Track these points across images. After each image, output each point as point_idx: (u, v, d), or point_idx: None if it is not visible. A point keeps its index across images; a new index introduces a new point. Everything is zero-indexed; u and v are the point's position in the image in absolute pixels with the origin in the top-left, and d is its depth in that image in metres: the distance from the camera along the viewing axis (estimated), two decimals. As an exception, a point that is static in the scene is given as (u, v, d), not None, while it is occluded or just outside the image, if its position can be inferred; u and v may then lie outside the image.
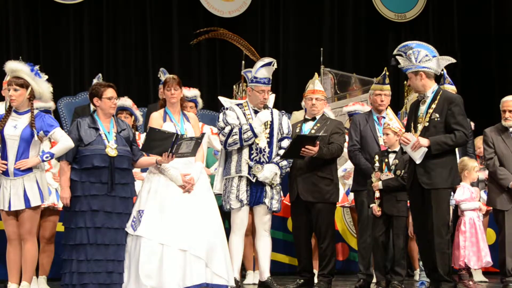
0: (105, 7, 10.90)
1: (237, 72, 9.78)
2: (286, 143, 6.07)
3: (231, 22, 11.44)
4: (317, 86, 6.48)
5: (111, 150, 5.37)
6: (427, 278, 5.88)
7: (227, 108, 6.14)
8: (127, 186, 5.45)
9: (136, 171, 6.03)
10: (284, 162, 6.05)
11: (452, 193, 6.15)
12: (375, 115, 6.46)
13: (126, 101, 6.77)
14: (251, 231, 6.56)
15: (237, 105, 6.19)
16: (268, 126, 6.08)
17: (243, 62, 9.91)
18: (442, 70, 6.86)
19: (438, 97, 5.69)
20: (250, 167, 5.95)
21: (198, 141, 5.45)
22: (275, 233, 7.20)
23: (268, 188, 6.01)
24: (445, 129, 5.62)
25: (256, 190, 5.99)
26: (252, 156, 5.98)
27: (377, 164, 6.05)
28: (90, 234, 5.28)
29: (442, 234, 5.60)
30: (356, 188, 6.39)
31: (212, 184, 5.99)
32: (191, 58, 11.41)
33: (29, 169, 5.31)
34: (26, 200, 5.28)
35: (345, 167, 7.22)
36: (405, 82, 10.02)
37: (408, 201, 5.91)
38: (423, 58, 5.71)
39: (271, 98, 6.42)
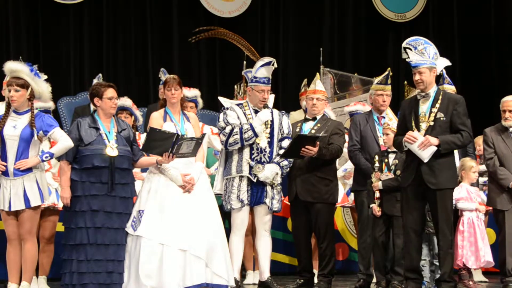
0: (105, 7, 10.89)
1: (237, 72, 9.76)
2: (286, 143, 6.07)
3: (231, 22, 11.43)
4: (318, 86, 6.48)
5: (112, 150, 5.37)
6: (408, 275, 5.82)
7: (227, 108, 6.14)
8: (127, 186, 5.46)
9: (136, 171, 6.04)
10: (285, 162, 6.05)
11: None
12: (375, 115, 6.46)
13: (126, 101, 6.78)
14: (251, 231, 6.56)
15: (237, 105, 6.19)
16: (269, 126, 6.08)
17: (244, 62, 9.90)
18: (442, 70, 6.89)
19: (441, 96, 5.70)
20: (251, 167, 5.95)
21: (198, 141, 5.45)
22: (275, 233, 7.20)
23: (268, 188, 6.01)
24: (450, 129, 5.64)
25: (257, 190, 5.99)
26: (253, 156, 5.98)
27: (377, 164, 6.05)
28: (90, 234, 5.29)
29: (446, 234, 5.63)
30: (356, 188, 6.39)
31: (212, 184, 6.00)
32: (191, 58, 11.40)
33: (29, 169, 5.31)
34: (26, 200, 5.29)
35: (345, 167, 7.22)
36: (405, 82, 10.03)
37: (401, 200, 5.86)
38: (434, 56, 5.77)
39: (270, 98, 6.42)
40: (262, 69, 6.09)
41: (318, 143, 6.03)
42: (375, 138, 6.35)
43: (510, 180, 6.21)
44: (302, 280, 6.26)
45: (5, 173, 5.28)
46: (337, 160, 6.61)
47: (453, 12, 12.55)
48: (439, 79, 7.03)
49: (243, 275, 6.71)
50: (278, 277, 6.76)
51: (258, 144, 6.01)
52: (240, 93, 9.36)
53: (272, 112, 6.15)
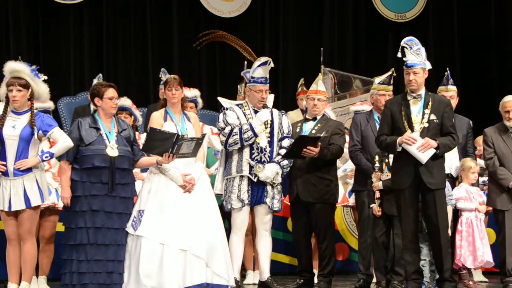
0: (105, 7, 10.89)
1: (237, 72, 9.75)
2: (286, 142, 6.08)
3: (231, 22, 11.43)
4: (320, 87, 6.48)
5: (112, 150, 5.37)
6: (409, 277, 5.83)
7: (227, 108, 6.14)
8: (128, 186, 5.46)
9: (136, 171, 6.04)
10: (285, 162, 6.06)
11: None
12: (376, 115, 6.45)
13: (126, 101, 6.78)
14: (251, 231, 6.56)
15: (237, 105, 6.19)
16: (269, 125, 6.08)
17: (245, 62, 9.90)
18: (446, 70, 6.90)
19: (431, 98, 5.73)
20: (251, 167, 5.96)
21: (199, 141, 5.45)
22: (276, 233, 7.21)
23: (269, 188, 6.01)
24: (440, 131, 5.68)
25: (257, 190, 5.99)
26: (253, 156, 5.98)
27: (377, 164, 6.05)
28: (90, 234, 5.29)
29: (446, 234, 5.69)
30: (357, 188, 6.39)
31: (212, 184, 6.00)
32: (191, 58, 11.40)
33: (29, 169, 5.31)
34: (27, 200, 5.29)
35: (345, 167, 7.22)
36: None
37: (397, 202, 5.86)
38: (425, 57, 5.79)
39: (270, 98, 6.42)
40: (259, 69, 6.10)
41: (319, 143, 6.03)
42: (376, 138, 6.34)
43: (510, 180, 6.21)
44: (302, 280, 6.26)
45: (5, 173, 5.28)
46: (338, 160, 6.61)
47: (453, 12, 12.55)
48: (442, 80, 7.04)
49: (243, 275, 6.71)
50: (278, 277, 6.76)
51: (258, 143, 6.01)
52: (242, 93, 9.37)
53: (272, 112, 6.16)
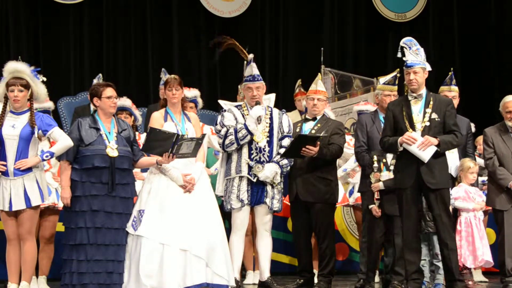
0: (105, 7, 10.89)
1: (237, 72, 9.76)
2: (286, 142, 6.07)
3: (231, 22, 11.43)
4: (320, 87, 6.48)
5: (112, 150, 5.37)
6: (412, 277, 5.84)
7: (225, 110, 6.15)
8: (128, 186, 5.46)
9: (136, 171, 6.04)
10: (285, 161, 6.05)
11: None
12: (381, 115, 6.45)
13: (126, 101, 6.78)
14: (251, 231, 6.56)
15: (236, 106, 6.20)
16: (268, 125, 6.08)
17: (245, 62, 9.89)
18: (450, 72, 6.91)
19: (432, 98, 5.75)
20: (250, 167, 5.95)
21: (198, 141, 5.45)
22: (276, 233, 7.20)
23: (269, 188, 6.01)
24: (443, 129, 5.69)
25: (257, 190, 5.99)
26: (252, 156, 5.98)
27: (375, 164, 6.06)
28: (90, 234, 5.29)
29: (451, 233, 5.71)
30: (363, 189, 6.37)
31: (213, 185, 6.01)
32: (191, 58, 11.41)
33: (29, 169, 5.31)
34: (27, 199, 5.29)
35: (345, 167, 7.22)
36: (405, 82, 10.02)
37: (399, 201, 5.87)
38: (424, 57, 5.80)
39: (271, 98, 6.43)
40: (248, 68, 6.16)
41: (318, 143, 6.03)
42: (382, 138, 6.33)
43: (509, 180, 6.21)
44: (302, 280, 6.26)
45: (5, 173, 5.28)
46: (338, 160, 6.61)
47: (453, 12, 12.56)
48: (444, 80, 7.04)
49: (243, 275, 6.71)
50: (278, 277, 6.76)
51: (257, 143, 6.01)
52: (241, 93, 9.37)
53: (271, 111, 6.16)
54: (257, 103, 6.08)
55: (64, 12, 10.64)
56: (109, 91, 5.47)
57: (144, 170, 6.21)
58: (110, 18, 10.95)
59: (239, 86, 9.39)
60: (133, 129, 6.25)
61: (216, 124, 6.11)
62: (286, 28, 11.95)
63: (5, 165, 5.27)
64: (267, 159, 6.01)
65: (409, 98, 5.78)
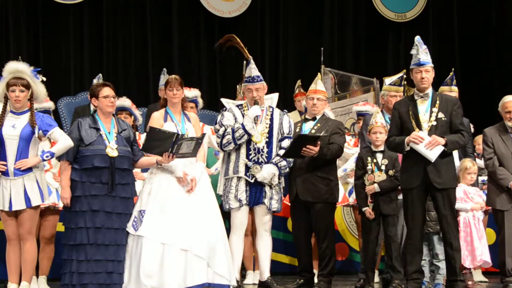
0: (105, 7, 10.88)
1: (237, 72, 9.76)
2: (286, 143, 6.07)
3: (231, 22, 11.43)
4: (319, 86, 6.48)
5: (112, 150, 5.37)
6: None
7: (225, 109, 6.15)
8: (128, 186, 5.46)
9: (136, 171, 6.04)
10: (283, 163, 6.04)
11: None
12: (387, 116, 6.48)
13: (125, 101, 6.78)
14: (251, 231, 6.56)
15: (237, 106, 6.20)
16: (267, 126, 6.07)
17: (244, 62, 9.89)
18: (451, 72, 6.91)
19: (438, 97, 5.76)
20: (248, 167, 5.95)
21: (199, 141, 5.45)
22: (276, 233, 7.21)
23: (267, 188, 6.01)
24: (450, 129, 5.71)
25: (256, 190, 5.99)
26: (250, 157, 5.98)
27: (369, 166, 6.08)
28: (90, 234, 5.29)
29: (456, 234, 5.73)
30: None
31: (214, 185, 6.01)
32: (191, 58, 11.40)
33: (29, 169, 5.31)
34: (27, 199, 5.29)
35: (345, 167, 7.22)
36: (404, 82, 10.02)
37: (404, 201, 5.89)
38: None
39: (274, 97, 6.41)
40: (247, 69, 6.16)
41: (319, 142, 6.03)
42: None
43: (509, 180, 6.21)
44: (302, 280, 6.26)
45: (5, 173, 5.29)
46: (338, 160, 6.60)
47: (453, 12, 12.55)
48: (445, 80, 7.05)
49: (243, 275, 6.71)
50: (278, 277, 6.77)
51: (256, 144, 6.01)
52: (241, 93, 9.36)
53: (273, 111, 6.15)
54: (256, 103, 6.08)
55: (64, 12, 10.64)
56: (106, 91, 5.47)
57: (144, 170, 6.21)
58: (110, 18, 10.94)
59: (237, 86, 9.41)
60: (133, 129, 6.25)
61: (215, 124, 6.12)
62: (286, 28, 11.95)
63: (5, 165, 5.28)
64: (266, 160, 6.00)
65: (416, 97, 5.79)
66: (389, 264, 6.11)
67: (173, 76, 5.84)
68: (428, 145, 5.59)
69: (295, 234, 6.41)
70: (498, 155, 6.33)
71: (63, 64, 10.67)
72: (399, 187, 6.02)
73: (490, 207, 6.48)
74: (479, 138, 7.27)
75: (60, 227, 5.98)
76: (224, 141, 5.99)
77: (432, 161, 5.61)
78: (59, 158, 5.41)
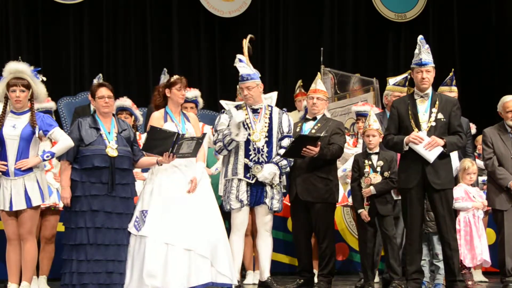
0: (105, 7, 10.88)
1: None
2: (286, 142, 6.07)
3: (231, 22, 11.43)
4: (319, 86, 6.48)
5: (112, 150, 5.37)
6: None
7: (223, 112, 6.15)
8: (128, 186, 5.46)
9: (137, 171, 6.05)
10: (284, 162, 6.04)
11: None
12: None
13: (126, 101, 6.78)
14: (251, 231, 6.56)
15: (236, 106, 6.19)
16: (267, 125, 6.05)
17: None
18: (451, 72, 6.92)
19: (438, 98, 5.76)
20: (249, 168, 5.95)
21: (199, 141, 5.45)
22: (276, 233, 7.20)
23: (268, 188, 6.01)
24: (448, 130, 5.71)
25: (256, 190, 5.99)
26: (250, 157, 5.98)
27: (366, 169, 6.08)
28: (90, 234, 5.29)
29: (454, 234, 5.74)
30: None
31: (214, 185, 6.02)
32: (191, 58, 11.40)
33: (30, 169, 5.32)
34: (27, 199, 5.29)
35: (345, 167, 7.22)
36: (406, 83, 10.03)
37: (402, 201, 5.89)
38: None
39: (273, 96, 6.40)
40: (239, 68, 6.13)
41: (319, 143, 6.03)
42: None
43: (508, 180, 6.21)
44: (302, 280, 6.26)
45: (6, 173, 5.29)
46: (337, 160, 6.60)
47: (453, 12, 12.55)
48: (445, 80, 7.04)
49: (243, 275, 6.71)
50: (278, 277, 6.77)
51: (255, 143, 6.00)
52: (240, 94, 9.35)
53: (272, 110, 6.15)
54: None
55: (64, 12, 10.64)
56: (102, 91, 5.47)
57: (144, 170, 6.21)
58: (110, 18, 10.94)
59: (238, 86, 9.40)
60: (134, 129, 6.26)
61: (212, 128, 6.14)
62: (286, 28, 11.95)
63: (6, 165, 5.28)
64: (266, 160, 6.00)
65: (415, 97, 5.79)
66: (387, 264, 6.12)
67: (181, 76, 5.84)
68: (427, 146, 5.59)
69: (295, 234, 6.41)
70: (498, 155, 6.33)
71: (63, 64, 10.67)
72: (398, 187, 6.04)
73: (490, 207, 6.48)
74: (480, 139, 7.27)
75: (61, 227, 5.98)
76: (217, 147, 6.01)
77: (431, 162, 5.61)
78: (59, 158, 5.41)
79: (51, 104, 6.55)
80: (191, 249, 5.35)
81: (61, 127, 7.68)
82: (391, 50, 12.27)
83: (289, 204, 6.48)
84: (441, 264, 6.06)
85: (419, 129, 5.68)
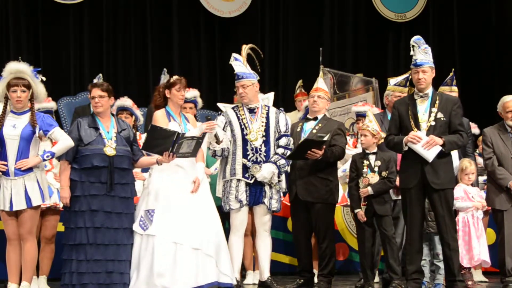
0: (105, 7, 10.88)
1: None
2: (283, 141, 6.07)
3: (231, 22, 11.43)
4: (320, 85, 6.48)
5: (110, 149, 5.38)
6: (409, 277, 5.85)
7: (220, 114, 6.15)
8: (127, 186, 5.46)
9: (137, 171, 6.05)
10: (282, 161, 6.03)
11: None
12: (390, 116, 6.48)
13: (126, 101, 6.78)
14: (251, 231, 6.56)
15: (233, 108, 6.19)
16: (264, 125, 6.03)
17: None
18: (452, 72, 6.91)
19: (438, 97, 5.76)
20: (247, 168, 5.95)
21: (199, 140, 5.46)
22: (276, 233, 7.21)
23: (267, 188, 6.01)
24: (448, 129, 5.69)
25: (255, 190, 5.99)
26: (248, 157, 5.97)
27: (364, 169, 6.08)
28: (89, 234, 5.30)
29: (454, 234, 5.74)
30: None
31: (213, 185, 6.02)
32: (191, 58, 11.40)
33: (30, 169, 5.32)
34: (28, 199, 5.29)
35: (344, 167, 7.21)
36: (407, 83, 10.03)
37: (403, 201, 5.89)
38: (432, 56, 5.82)
39: (270, 97, 6.40)
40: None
41: (324, 146, 6.02)
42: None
43: (508, 180, 6.21)
44: (302, 280, 6.26)
45: (6, 173, 5.29)
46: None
47: (453, 12, 12.55)
48: (445, 80, 7.04)
49: (243, 275, 6.71)
50: (278, 277, 6.77)
51: (252, 143, 6.00)
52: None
53: (268, 110, 6.14)
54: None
55: (64, 12, 10.63)
56: (93, 91, 5.50)
57: (144, 170, 6.21)
58: (110, 18, 10.93)
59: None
60: (134, 129, 6.26)
61: None
62: (286, 28, 11.94)
63: (6, 165, 5.28)
64: (264, 159, 6.00)
65: (415, 97, 5.79)
66: (387, 264, 6.12)
67: (181, 77, 5.84)
68: (425, 145, 5.59)
69: (295, 234, 6.41)
70: (498, 155, 6.33)
71: (63, 64, 10.67)
72: (398, 187, 6.04)
73: (490, 207, 6.48)
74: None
75: (61, 227, 5.98)
76: (210, 152, 6.02)
77: (430, 161, 5.61)
78: (59, 158, 5.41)
79: (52, 104, 6.56)
80: (199, 248, 5.38)
81: (61, 127, 7.67)
82: (391, 50, 12.27)
83: (289, 204, 6.48)
84: (441, 264, 6.05)
85: (419, 129, 5.68)
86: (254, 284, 6.67)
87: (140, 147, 5.59)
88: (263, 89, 6.78)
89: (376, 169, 6.06)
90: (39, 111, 5.62)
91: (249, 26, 11.61)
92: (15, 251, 5.37)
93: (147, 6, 11.16)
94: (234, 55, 6.16)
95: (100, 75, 7.95)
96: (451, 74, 7.03)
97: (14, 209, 5.29)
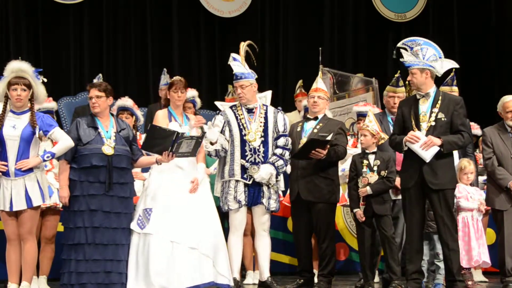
0: (105, 7, 10.89)
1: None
2: (282, 141, 6.06)
3: (231, 22, 11.43)
4: (320, 85, 6.48)
5: (108, 148, 5.38)
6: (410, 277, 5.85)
7: (218, 113, 6.15)
8: (126, 185, 5.46)
9: (136, 171, 6.05)
10: (280, 162, 6.02)
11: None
12: (390, 116, 6.49)
13: (127, 101, 6.77)
14: (250, 231, 6.56)
15: (231, 107, 6.18)
16: (262, 125, 6.03)
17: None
18: (452, 72, 6.91)
19: (441, 97, 5.74)
20: (245, 169, 5.94)
21: (198, 140, 5.46)
22: (275, 233, 7.21)
23: (265, 188, 6.01)
24: (450, 129, 5.68)
25: (254, 191, 5.98)
26: (247, 157, 5.97)
27: (364, 169, 6.08)
28: (88, 233, 5.30)
29: (453, 233, 5.71)
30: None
31: (212, 184, 6.01)
32: (191, 58, 11.40)
33: (30, 169, 5.32)
34: (28, 200, 5.29)
35: (344, 167, 7.21)
36: (407, 82, 10.02)
37: (402, 200, 5.90)
38: (431, 57, 5.80)
39: (267, 95, 6.39)
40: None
41: (328, 146, 6.02)
42: (390, 139, 6.34)
43: (508, 180, 6.21)
44: (302, 280, 6.26)
45: (6, 173, 5.29)
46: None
47: (453, 12, 12.55)
48: (442, 80, 7.03)
49: (243, 275, 6.71)
50: (278, 277, 6.77)
51: (251, 143, 6.00)
52: (229, 94, 9.36)
53: (267, 109, 6.13)
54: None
55: (64, 12, 10.64)
56: (91, 92, 5.52)
57: (144, 170, 6.21)
58: (110, 18, 10.94)
59: (229, 86, 9.37)
60: (134, 129, 6.26)
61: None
62: (286, 28, 11.95)
63: (6, 166, 5.28)
64: (262, 160, 5.99)
65: (418, 97, 5.79)
66: (386, 264, 6.12)
67: (178, 77, 5.85)
68: (423, 145, 5.59)
69: (295, 234, 6.41)
70: (498, 155, 6.33)
71: (63, 64, 10.67)
72: (397, 187, 6.04)
73: (490, 207, 6.48)
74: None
75: (61, 227, 5.98)
76: (205, 152, 6.02)
77: (427, 161, 5.60)
78: (58, 158, 5.42)
79: (53, 105, 6.56)
80: (196, 248, 5.38)
81: (61, 127, 7.68)
82: (391, 50, 12.22)
83: (289, 205, 6.48)
84: (442, 264, 6.05)
85: (419, 129, 5.68)
86: (254, 284, 6.67)
87: (140, 147, 5.59)
88: (263, 89, 6.77)
89: (375, 168, 6.06)
90: (40, 111, 5.62)
91: (249, 26, 11.61)
92: (15, 251, 5.37)
93: (147, 6, 11.16)
94: (233, 55, 6.15)
95: (100, 75, 7.96)
96: (452, 74, 7.02)
97: (14, 209, 5.29)
